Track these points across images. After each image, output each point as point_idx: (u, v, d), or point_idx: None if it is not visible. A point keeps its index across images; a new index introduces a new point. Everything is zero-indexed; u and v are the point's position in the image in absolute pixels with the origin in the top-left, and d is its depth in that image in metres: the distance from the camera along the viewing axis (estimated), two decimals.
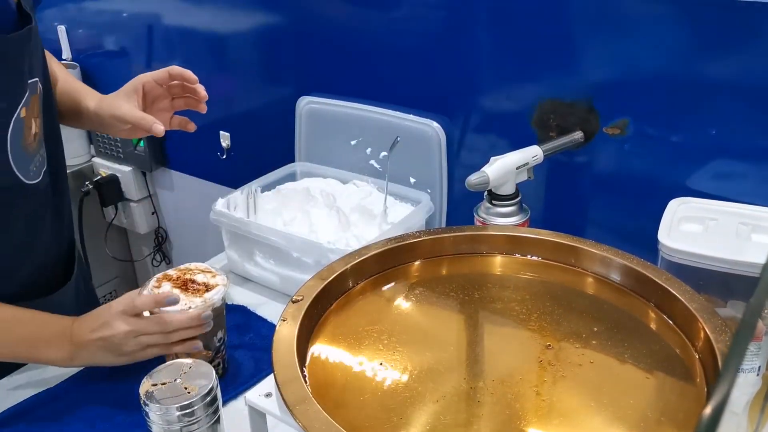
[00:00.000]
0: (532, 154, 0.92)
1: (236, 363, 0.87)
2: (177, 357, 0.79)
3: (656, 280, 0.69)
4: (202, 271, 0.82)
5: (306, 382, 0.57)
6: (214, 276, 0.82)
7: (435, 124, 1.11)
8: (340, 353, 0.65)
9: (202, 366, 0.64)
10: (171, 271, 0.82)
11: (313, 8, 1.22)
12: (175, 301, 0.77)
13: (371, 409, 0.58)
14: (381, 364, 0.63)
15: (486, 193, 0.91)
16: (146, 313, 0.79)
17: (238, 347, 0.90)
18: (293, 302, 0.66)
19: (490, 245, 0.79)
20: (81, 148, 1.74)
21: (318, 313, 0.68)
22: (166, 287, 0.79)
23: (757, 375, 0.69)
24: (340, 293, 0.72)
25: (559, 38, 0.96)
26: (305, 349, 0.64)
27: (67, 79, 1.00)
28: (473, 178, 0.88)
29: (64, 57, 1.67)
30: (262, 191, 1.12)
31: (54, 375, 0.87)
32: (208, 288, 0.79)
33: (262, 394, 0.59)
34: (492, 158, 0.90)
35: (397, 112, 1.15)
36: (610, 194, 1.00)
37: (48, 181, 0.88)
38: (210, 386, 0.62)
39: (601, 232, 1.02)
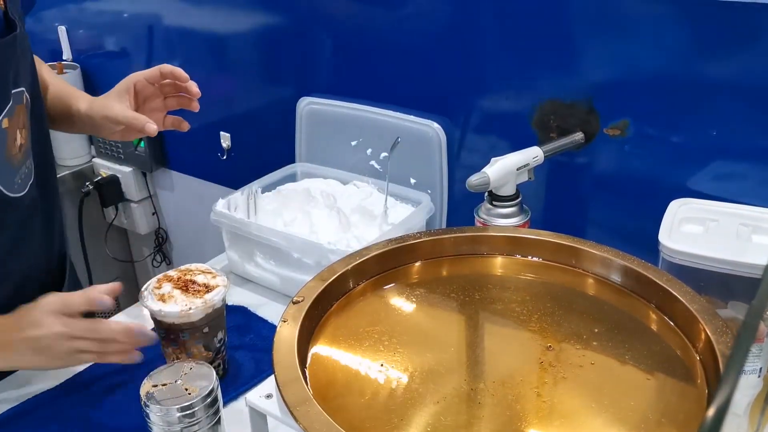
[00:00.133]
0: (533, 155, 0.92)
1: (236, 364, 0.87)
2: (177, 358, 0.79)
3: (657, 281, 0.68)
4: (203, 272, 0.82)
5: (307, 384, 0.57)
6: (214, 277, 0.82)
7: (435, 125, 1.11)
8: (341, 354, 0.65)
9: (202, 367, 0.64)
10: (171, 272, 0.82)
11: (313, 9, 1.22)
12: (107, 306, 0.72)
13: (372, 410, 0.58)
14: (382, 365, 0.63)
15: (486, 194, 0.91)
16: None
17: (239, 348, 0.90)
18: (294, 303, 0.66)
19: (491, 246, 0.78)
20: (81, 148, 1.74)
21: (318, 314, 0.68)
22: (167, 288, 0.79)
23: (759, 377, 0.69)
24: (341, 294, 0.72)
25: (559, 39, 0.96)
26: (306, 350, 0.64)
27: (57, 83, 0.98)
28: (474, 179, 0.88)
29: (64, 57, 1.67)
30: (263, 192, 1.12)
31: (55, 376, 0.87)
32: (208, 289, 0.79)
33: (262, 395, 0.59)
34: (492, 159, 0.90)
35: (398, 113, 1.15)
36: (610, 195, 1.00)
37: (36, 194, 0.85)
38: (211, 387, 0.62)
39: (601, 233, 1.02)
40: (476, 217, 0.93)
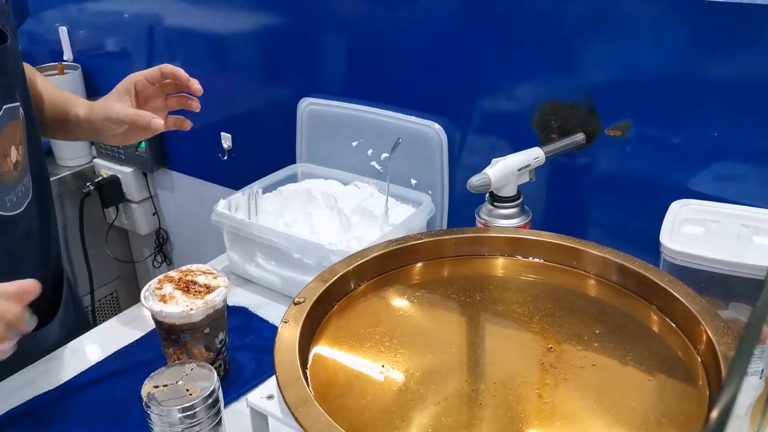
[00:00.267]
0: (534, 155, 0.92)
1: (237, 365, 0.87)
2: (178, 359, 0.79)
3: (658, 282, 0.68)
4: (204, 273, 0.82)
5: (308, 384, 0.57)
6: (215, 277, 0.82)
7: (436, 126, 1.11)
8: (342, 355, 0.65)
9: (203, 368, 0.64)
10: (172, 273, 0.82)
11: (314, 9, 1.22)
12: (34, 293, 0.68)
13: (373, 411, 0.58)
14: (383, 366, 0.63)
15: (487, 194, 0.91)
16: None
17: (240, 349, 0.90)
18: (295, 304, 0.66)
19: (492, 247, 0.78)
20: (82, 149, 1.74)
21: (320, 315, 0.68)
22: (168, 289, 0.79)
23: (760, 378, 0.69)
24: (342, 295, 0.72)
25: (559, 39, 0.96)
26: (307, 351, 0.64)
27: (51, 90, 0.96)
28: (475, 180, 0.88)
29: (65, 58, 1.67)
30: (264, 192, 1.12)
31: (56, 376, 0.87)
32: (209, 290, 0.79)
33: (263, 396, 0.59)
34: (493, 160, 0.90)
35: (399, 114, 1.15)
36: (611, 196, 1.00)
37: (34, 212, 0.83)
38: (212, 388, 0.62)
39: (602, 233, 1.02)
40: (477, 218, 0.93)
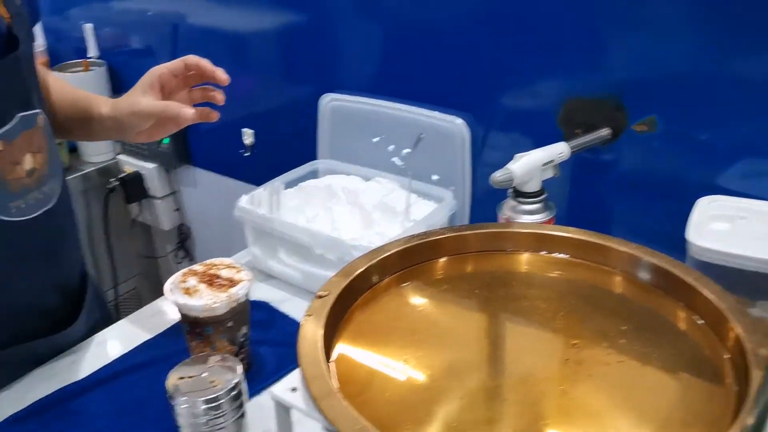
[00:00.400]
0: (558, 151, 0.92)
1: (259, 359, 0.88)
2: (201, 352, 0.79)
3: (685, 278, 0.67)
4: (227, 267, 0.83)
5: (331, 378, 0.57)
6: (238, 271, 0.82)
7: (459, 121, 1.10)
8: (365, 349, 0.65)
9: (228, 360, 0.65)
10: (196, 266, 0.83)
11: (336, 5, 1.22)
12: None
13: (396, 404, 0.58)
14: (405, 360, 0.63)
15: (511, 190, 0.91)
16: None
17: (261, 343, 0.90)
18: (318, 297, 0.66)
19: (516, 242, 0.78)
20: (106, 145, 1.76)
21: (342, 309, 0.68)
22: (192, 282, 0.80)
23: None
24: (365, 289, 0.71)
25: (586, 34, 0.95)
26: (330, 344, 0.63)
27: (68, 91, 0.94)
28: (498, 175, 0.87)
29: (90, 55, 1.69)
30: (285, 188, 1.12)
31: (80, 368, 0.88)
32: (233, 283, 0.80)
33: (287, 388, 0.59)
34: (516, 155, 0.89)
35: (421, 109, 1.15)
36: (636, 192, 0.98)
37: (53, 220, 0.82)
38: (236, 380, 0.62)
39: (627, 230, 1.01)
40: (499, 213, 0.92)
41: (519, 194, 0.90)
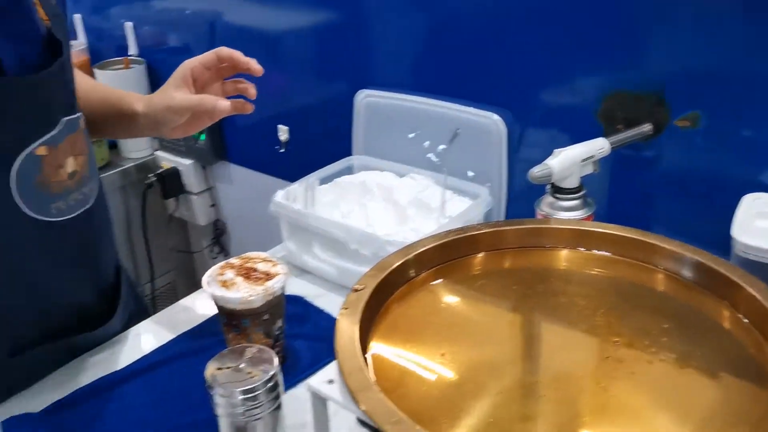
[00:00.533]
0: (598, 146, 0.90)
1: (294, 352, 0.88)
2: (240, 343, 0.80)
3: (730, 276, 0.66)
4: (263, 260, 0.83)
5: (368, 371, 0.57)
6: (274, 265, 0.83)
7: (495, 117, 1.09)
8: (401, 343, 0.64)
9: (265, 352, 0.65)
10: (233, 260, 0.84)
11: (370, 1, 1.22)
12: None
13: (432, 398, 0.58)
14: (442, 355, 0.62)
15: (549, 186, 0.89)
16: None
17: (296, 337, 0.91)
18: (355, 291, 0.66)
19: (555, 239, 0.77)
20: (144, 141, 1.79)
21: (379, 303, 0.68)
22: (229, 275, 0.80)
23: None
24: (401, 284, 0.71)
25: (627, 28, 0.94)
26: (366, 338, 0.64)
27: (99, 89, 0.94)
28: (536, 171, 0.86)
29: (131, 53, 1.72)
30: (320, 184, 1.12)
31: (118, 359, 0.89)
32: (269, 276, 0.80)
33: (324, 380, 0.59)
34: (555, 150, 0.88)
35: (456, 105, 1.14)
36: (678, 189, 0.96)
37: (90, 221, 0.82)
38: (273, 372, 0.62)
39: (667, 227, 0.98)
40: (537, 210, 0.91)
41: (557, 190, 0.88)
